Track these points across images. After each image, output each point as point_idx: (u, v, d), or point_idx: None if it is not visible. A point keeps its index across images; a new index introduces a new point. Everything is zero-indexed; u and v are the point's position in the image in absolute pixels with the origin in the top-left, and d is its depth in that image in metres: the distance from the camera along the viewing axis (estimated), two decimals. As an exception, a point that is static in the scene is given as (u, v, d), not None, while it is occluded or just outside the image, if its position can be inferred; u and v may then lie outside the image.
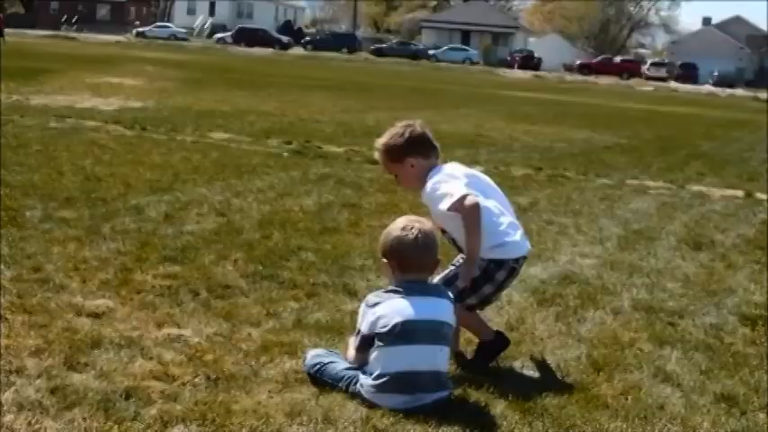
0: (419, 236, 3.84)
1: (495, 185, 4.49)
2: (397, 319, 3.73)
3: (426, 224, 3.93)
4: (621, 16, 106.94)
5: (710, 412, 3.99)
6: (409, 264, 3.85)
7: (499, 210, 4.30)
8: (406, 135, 4.30)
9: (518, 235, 4.32)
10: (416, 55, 77.72)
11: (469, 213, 4.09)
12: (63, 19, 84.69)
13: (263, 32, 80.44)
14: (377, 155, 4.46)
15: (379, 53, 77.10)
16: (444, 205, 4.12)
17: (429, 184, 4.24)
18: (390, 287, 3.88)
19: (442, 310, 3.88)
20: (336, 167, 10.78)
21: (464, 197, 4.08)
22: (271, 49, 71.83)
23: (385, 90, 30.49)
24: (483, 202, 4.16)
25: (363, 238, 6.80)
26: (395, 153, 4.31)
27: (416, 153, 4.30)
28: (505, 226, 4.28)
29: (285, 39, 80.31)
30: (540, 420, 3.71)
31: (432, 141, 4.42)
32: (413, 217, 4.00)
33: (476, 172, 4.51)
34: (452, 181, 4.19)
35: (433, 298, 3.88)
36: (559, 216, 8.65)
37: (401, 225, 3.89)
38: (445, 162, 4.43)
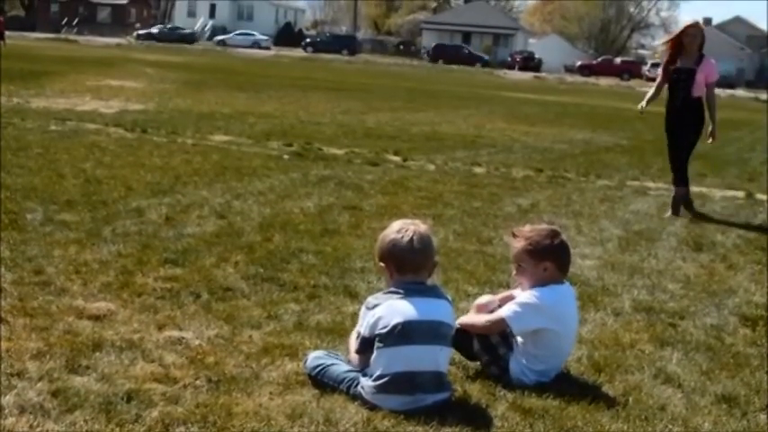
0: (414, 237, 3.85)
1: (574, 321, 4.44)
2: (397, 320, 3.74)
3: (422, 226, 3.94)
4: (622, 17, 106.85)
5: (711, 413, 3.99)
6: (406, 265, 3.86)
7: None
8: (556, 241, 4.24)
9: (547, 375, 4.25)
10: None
11: (490, 326, 4.25)
12: (63, 21, 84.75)
13: (464, 50, 78.64)
14: (514, 242, 4.31)
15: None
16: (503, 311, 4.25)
17: (530, 293, 4.21)
18: (390, 289, 3.89)
19: (442, 310, 3.89)
20: (337, 169, 10.78)
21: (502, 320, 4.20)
22: (302, 52, 71.48)
23: (385, 91, 30.50)
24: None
25: (364, 240, 6.80)
26: (536, 253, 4.21)
27: (554, 261, 4.23)
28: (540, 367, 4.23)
29: (486, 57, 78.51)
30: (542, 421, 3.72)
31: (569, 257, 4.38)
32: (408, 220, 4.02)
33: (564, 309, 4.32)
34: (529, 310, 4.16)
35: (432, 299, 3.89)
36: (560, 217, 8.65)
37: (396, 228, 3.91)
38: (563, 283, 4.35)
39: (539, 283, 4.21)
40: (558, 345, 4.25)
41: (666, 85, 9.59)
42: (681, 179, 9.57)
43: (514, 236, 4.31)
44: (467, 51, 78.70)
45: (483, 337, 4.23)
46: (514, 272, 4.35)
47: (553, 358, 4.24)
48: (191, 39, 78.48)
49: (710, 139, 9.50)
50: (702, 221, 9.16)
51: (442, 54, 76.32)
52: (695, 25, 9.47)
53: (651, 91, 9.89)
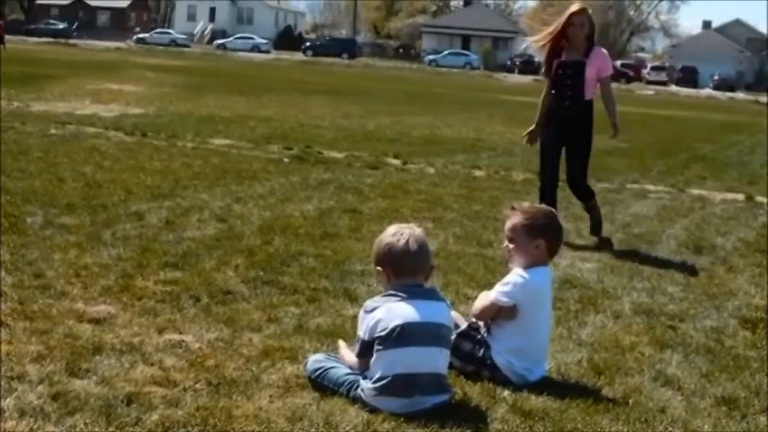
0: (410, 240, 3.86)
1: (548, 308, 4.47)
2: (396, 322, 3.74)
3: (416, 230, 3.95)
4: (621, 20, 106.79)
5: (711, 415, 3.99)
6: (403, 269, 3.87)
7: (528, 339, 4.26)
8: (553, 222, 4.33)
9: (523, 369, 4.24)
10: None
11: (483, 311, 4.30)
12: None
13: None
14: (512, 216, 4.34)
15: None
16: (492, 293, 4.29)
17: (516, 273, 4.27)
18: (388, 292, 3.90)
19: (440, 312, 3.90)
20: (337, 173, 10.78)
21: (494, 303, 4.24)
22: (302, 56, 71.44)
23: (385, 95, 30.51)
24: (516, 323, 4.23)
25: (364, 243, 6.79)
26: (532, 229, 4.26)
27: (548, 240, 4.29)
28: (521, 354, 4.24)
29: (630, 73, 74.76)
30: (542, 424, 3.72)
31: (562, 240, 4.47)
32: (403, 224, 4.04)
33: (546, 291, 4.39)
34: (515, 286, 4.21)
35: (431, 301, 3.90)
36: (560, 220, 8.63)
37: (392, 232, 3.93)
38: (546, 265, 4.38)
39: (529, 259, 4.25)
40: (531, 326, 4.25)
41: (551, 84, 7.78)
42: (586, 196, 7.97)
43: (513, 209, 4.38)
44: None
45: (457, 349, 4.17)
46: (506, 244, 4.36)
47: (531, 342, 4.24)
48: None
49: (613, 134, 7.95)
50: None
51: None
52: (581, 12, 7.51)
53: (541, 104, 7.96)
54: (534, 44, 7.92)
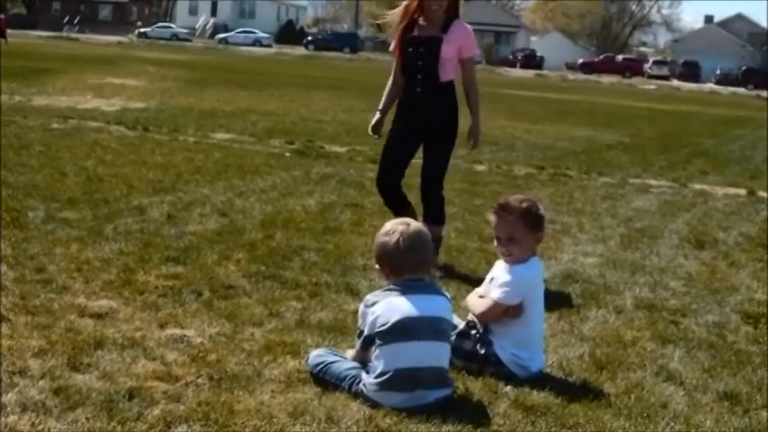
0: (401, 239, 3.85)
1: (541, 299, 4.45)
2: (397, 317, 3.74)
3: (411, 226, 3.94)
4: (623, 14, 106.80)
5: (713, 410, 3.98)
6: (398, 266, 3.88)
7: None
8: (542, 211, 4.33)
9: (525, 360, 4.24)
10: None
11: (486, 312, 4.28)
12: (65, 20, 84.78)
13: None
14: (506, 216, 4.28)
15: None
16: (494, 293, 4.26)
17: (513, 269, 4.27)
18: (389, 286, 3.90)
19: (440, 306, 3.90)
20: (339, 167, 10.78)
21: (498, 303, 4.23)
22: (303, 50, 71.31)
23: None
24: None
25: (366, 237, 6.79)
26: (533, 223, 4.26)
27: (543, 229, 4.33)
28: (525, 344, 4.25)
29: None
30: (543, 419, 3.71)
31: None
32: (398, 220, 4.04)
33: (540, 281, 4.39)
34: (515, 285, 4.22)
35: (431, 295, 3.90)
36: (562, 215, 8.65)
37: (385, 230, 3.94)
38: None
39: (527, 253, 4.27)
40: (531, 316, 4.26)
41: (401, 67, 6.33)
42: (434, 216, 6.30)
43: (504, 209, 4.28)
44: None
45: (457, 349, 4.15)
46: (499, 246, 4.32)
47: (533, 333, 4.27)
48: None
49: (471, 143, 6.67)
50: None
51: (752, 78, 72.62)
52: None
53: (387, 87, 6.56)
54: (387, 26, 6.43)
